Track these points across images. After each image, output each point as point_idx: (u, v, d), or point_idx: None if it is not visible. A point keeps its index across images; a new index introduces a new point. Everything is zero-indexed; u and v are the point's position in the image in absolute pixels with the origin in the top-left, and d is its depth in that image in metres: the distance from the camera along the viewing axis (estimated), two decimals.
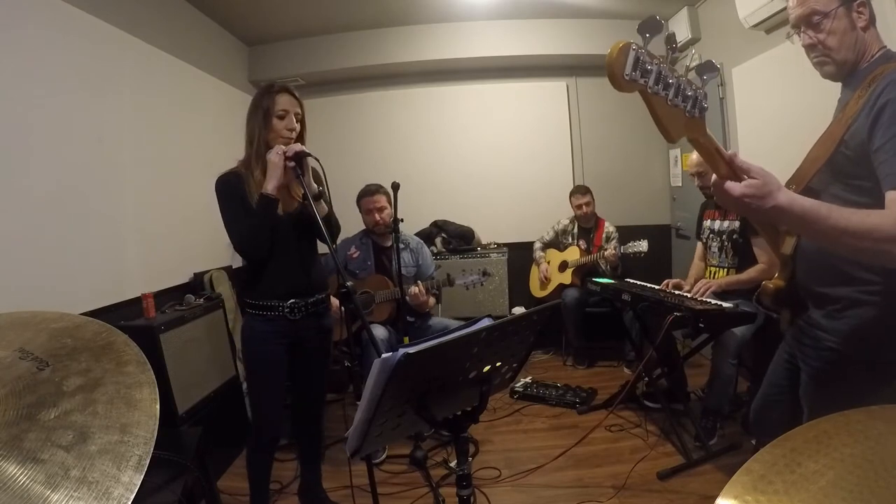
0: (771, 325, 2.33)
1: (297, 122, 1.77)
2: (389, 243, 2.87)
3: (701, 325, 2.25)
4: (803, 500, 0.62)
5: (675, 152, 4.15)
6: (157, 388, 0.77)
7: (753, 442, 1.96)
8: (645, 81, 0.78)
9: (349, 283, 1.52)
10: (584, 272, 3.63)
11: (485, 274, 2.89)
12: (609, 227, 3.77)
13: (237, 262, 3.36)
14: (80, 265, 2.15)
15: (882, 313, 1.12)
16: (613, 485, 2.18)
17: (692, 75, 0.90)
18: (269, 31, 3.83)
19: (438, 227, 4.13)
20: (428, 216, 4.17)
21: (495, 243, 4.18)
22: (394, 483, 2.30)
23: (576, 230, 3.82)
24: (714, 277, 2.68)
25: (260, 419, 1.90)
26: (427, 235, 4.02)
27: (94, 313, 2.09)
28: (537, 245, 3.97)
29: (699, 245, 2.88)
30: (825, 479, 0.63)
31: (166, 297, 2.59)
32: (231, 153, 1.85)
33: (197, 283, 2.92)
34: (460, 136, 4.29)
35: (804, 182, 1.19)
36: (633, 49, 0.76)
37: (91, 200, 2.24)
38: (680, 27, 3.64)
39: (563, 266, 3.73)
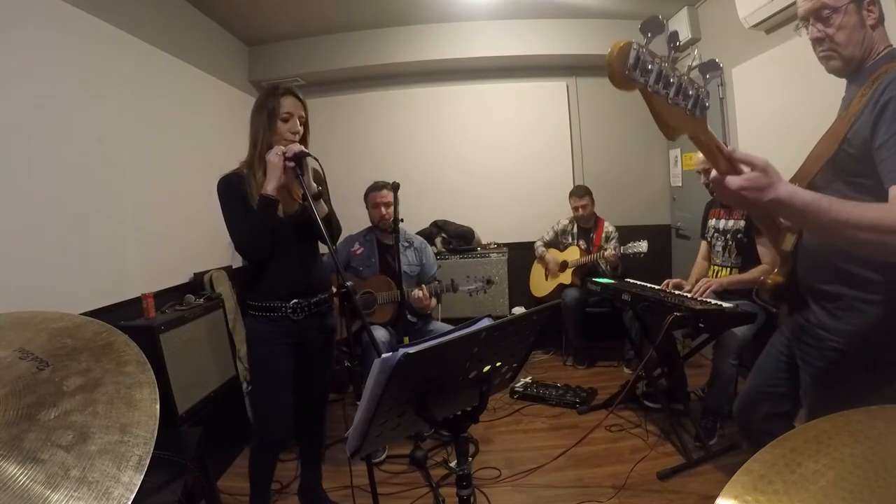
0: (771, 325, 2.33)
1: (300, 125, 1.77)
2: (393, 241, 2.88)
3: (701, 325, 2.25)
4: (803, 500, 0.62)
5: (675, 152, 4.14)
6: (157, 388, 0.77)
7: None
8: (645, 80, 0.78)
9: (349, 283, 1.53)
10: (584, 272, 3.63)
11: (489, 282, 2.90)
12: (608, 227, 3.77)
13: (237, 262, 3.36)
14: (80, 265, 2.15)
15: (885, 313, 1.12)
16: (613, 485, 2.18)
17: (695, 74, 0.90)
18: (269, 31, 3.83)
19: (438, 227, 4.13)
20: (428, 216, 4.17)
21: (495, 243, 4.18)
22: (394, 483, 2.30)
23: (575, 230, 3.82)
24: (717, 277, 2.68)
25: (265, 420, 1.90)
26: (427, 235, 4.01)
27: (94, 313, 2.09)
28: (538, 244, 3.97)
29: (703, 244, 2.88)
30: (825, 479, 0.63)
31: (166, 297, 2.59)
32: (231, 153, 1.85)
33: (197, 283, 2.92)
34: (460, 136, 4.28)
35: (807, 179, 1.19)
36: (634, 48, 0.76)
37: (91, 200, 2.24)
38: (680, 27, 3.63)
39: (563, 266, 3.73)
